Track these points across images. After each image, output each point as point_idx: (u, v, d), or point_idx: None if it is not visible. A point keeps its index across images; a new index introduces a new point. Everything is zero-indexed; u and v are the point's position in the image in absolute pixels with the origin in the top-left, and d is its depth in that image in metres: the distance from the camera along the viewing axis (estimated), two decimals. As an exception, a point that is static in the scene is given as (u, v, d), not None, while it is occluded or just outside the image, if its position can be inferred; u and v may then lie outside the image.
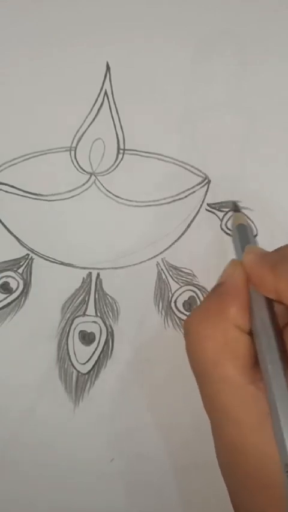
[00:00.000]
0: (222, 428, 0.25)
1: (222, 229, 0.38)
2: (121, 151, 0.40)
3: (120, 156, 0.39)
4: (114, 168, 0.39)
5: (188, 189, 0.39)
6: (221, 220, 0.39)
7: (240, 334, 0.25)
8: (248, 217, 0.37)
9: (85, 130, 0.40)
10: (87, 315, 0.37)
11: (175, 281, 0.38)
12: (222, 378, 0.25)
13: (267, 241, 0.38)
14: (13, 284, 0.37)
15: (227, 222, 0.39)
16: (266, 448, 0.24)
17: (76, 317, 0.37)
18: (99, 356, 0.36)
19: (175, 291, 0.37)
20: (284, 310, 0.27)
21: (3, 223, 0.38)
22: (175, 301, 0.37)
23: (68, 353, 0.36)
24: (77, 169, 0.39)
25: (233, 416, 0.24)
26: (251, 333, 0.26)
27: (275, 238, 0.38)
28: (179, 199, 0.39)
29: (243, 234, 0.30)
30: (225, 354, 0.25)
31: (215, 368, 0.25)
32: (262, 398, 0.24)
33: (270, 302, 0.26)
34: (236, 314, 0.25)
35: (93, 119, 0.40)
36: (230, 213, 0.39)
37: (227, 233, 0.38)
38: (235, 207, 0.34)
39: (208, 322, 0.25)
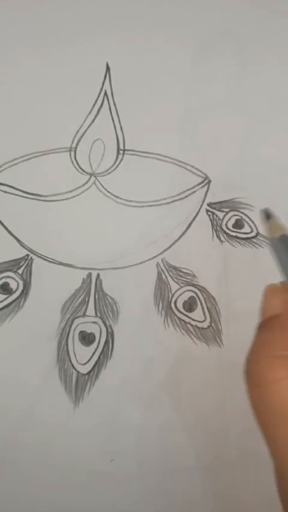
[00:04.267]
0: None
1: (222, 229, 0.38)
2: (121, 151, 0.40)
3: (120, 156, 0.39)
4: (114, 169, 0.39)
5: (188, 189, 0.39)
6: (222, 220, 0.39)
7: None
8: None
9: (85, 131, 0.40)
10: (87, 316, 0.37)
11: (175, 281, 0.38)
12: None
13: (267, 240, 0.38)
14: (13, 285, 0.37)
15: (227, 222, 0.39)
16: None
17: (76, 317, 0.37)
18: (99, 356, 0.36)
19: (175, 291, 0.37)
20: None
21: (3, 224, 0.38)
22: (175, 302, 0.37)
23: (68, 353, 0.36)
24: (77, 169, 0.39)
25: None
26: None
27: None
28: (179, 199, 0.39)
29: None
30: None
31: None
32: None
33: None
34: None
35: (93, 120, 0.40)
36: (230, 213, 0.39)
37: (227, 233, 0.38)
38: (267, 215, 0.27)
39: (281, 363, 0.22)
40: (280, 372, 0.22)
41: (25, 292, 0.37)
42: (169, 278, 0.38)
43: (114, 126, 0.40)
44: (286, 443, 0.22)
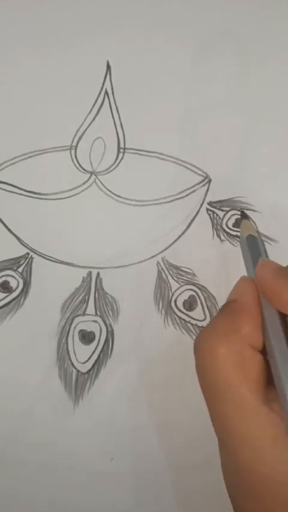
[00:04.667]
0: (234, 452, 0.24)
1: (222, 228, 0.38)
2: (121, 150, 0.40)
3: (120, 155, 0.40)
4: (115, 167, 0.39)
5: (189, 188, 0.39)
6: (222, 219, 0.39)
7: (254, 353, 0.24)
8: (255, 224, 0.35)
9: (85, 130, 0.40)
10: (87, 314, 0.37)
11: (175, 280, 0.38)
12: (236, 401, 0.24)
13: (266, 238, 0.38)
14: (13, 283, 0.37)
15: (227, 221, 0.39)
16: (284, 469, 0.23)
17: (76, 316, 0.37)
18: (99, 355, 0.36)
19: (175, 290, 0.37)
20: None
21: (3, 222, 0.38)
22: (175, 301, 0.37)
23: (68, 352, 0.36)
24: (78, 168, 0.39)
25: (248, 440, 0.24)
26: (263, 352, 0.25)
27: (274, 236, 0.38)
28: (180, 198, 0.39)
29: (253, 246, 0.29)
30: (240, 375, 0.24)
31: (228, 390, 0.24)
32: (276, 420, 0.23)
33: (283, 319, 0.25)
34: (250, 333, 0.24)
35: (94, 118, 0.40)
36: (230, 212, 0.39)
37: (227, 232, 0.38)
38: (243, 215, 0.31)
39: (221, 341, 0.24)
40: (219, 347, 0.24)
41: (25, 290, 0.37)
42: (169, 277, 0.38)
43: (115, 124, 0.40)
44: (221, 416, 0.24)
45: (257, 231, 0.29)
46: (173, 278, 0.38)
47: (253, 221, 0.37)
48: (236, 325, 0.25)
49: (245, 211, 0.34)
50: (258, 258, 0.27)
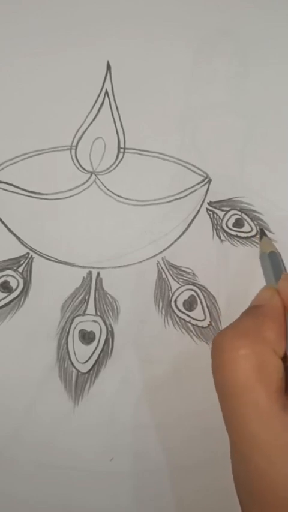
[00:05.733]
0: (247, 457, 0.24)
1: (222, 228, 0.38)
2: (121, 150, 0.40)
3: (120, 155, 0.40)
4: (115, 167, 0.39)
5: (189, 188, 0.39)
6: (222, 219, 0.39)
7: (276, 358, 0.24)
8: (274, 242, 0.36)
9: (86, 130, 0.40)
10: (87, 314, 0.37)
11: (175, 280, 0.38)
12: (253, 404, 0.23)
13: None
14: (13, 283, 0.37)
15: (227, 221, 0.39)
16: None
17: (76, 316, 0.37)
18: (99, 355, 0.36)
19: (175, 290, 0.37)
20: None
21: (3, 222, 0.38)
22: (175, 301, 0.37)
23: (68, 352, 0.36)
24: (78, 168, 0.39)
25: (263, 446, 0.23)
26: (284, 359, 0.25)
27: (275, 236, 0.38)
28: (180, 198, 0.39)
29: (275, 261, 0.30)
30: (259, 378, 0.23)
31: (246, 392, 0.23)
32: None
33: None
34: (274, 338, 0.24)
35: (94, 118, 0.40)
36: (230, 212, 0.39)
37: (227, 232, 0.38)
38: (262, 233, 0.34)
39: (244, 341, 0.24)
40: (241, 346, 0.24)
41: (25, 290, 0.37)
42: (169, 277, 0.38)
43: (115, 124, 0.40)
44: (236, 418, 0.24)
45: (276, 248, 0.32)
46: (173, 278, 0.38)
47: (271, 239, 0.38)
48: (261, 328, 0.24)
49: (263, 229, 0.36)
50: (281, 273, 0.29)
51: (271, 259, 0.31)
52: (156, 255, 0.38)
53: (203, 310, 0.37)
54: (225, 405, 0.25)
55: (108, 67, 0.41)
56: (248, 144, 0.40)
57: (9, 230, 0.38)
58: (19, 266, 0.38)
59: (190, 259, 0.38)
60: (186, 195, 0.39)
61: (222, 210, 0.39)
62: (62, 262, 0.38)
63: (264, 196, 0.39)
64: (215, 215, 0.39)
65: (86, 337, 0.36)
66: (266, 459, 0.23)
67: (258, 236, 0.33)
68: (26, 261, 0.38)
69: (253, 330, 0.24)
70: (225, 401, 0.24)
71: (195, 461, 0.35)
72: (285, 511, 0.23)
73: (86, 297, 0.37)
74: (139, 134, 0.40)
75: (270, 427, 0.23)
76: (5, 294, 0.37)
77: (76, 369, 0.36)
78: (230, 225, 0.38)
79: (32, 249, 0.38)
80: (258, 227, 0.38)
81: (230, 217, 0.39)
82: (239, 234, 0.38)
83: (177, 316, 0.37)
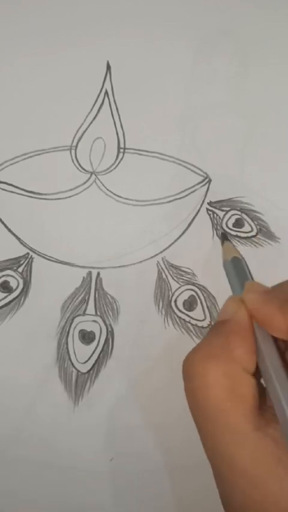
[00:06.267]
0: (229, 479, 0.23)
1: (222, 228, 0.38)
2: (121, 150, 0.40)
3: (120, 155, 0.40)
4: (115, 167, 0.39)
5: (189, 188, 0.39)
6: (222, 219, 0.39)
7: (247, 377, 0.24)
8: (236, 247, 0.35)
9: (86, 130, 0.40)
10: (87, 314, 0.37)
11: (175, 280, 0.38)
12: (227, 427, 0.23)
13: (267, 238, 0.38)
14: (13, 283, 0.37)
15: (227, 221, 0.39)
16: (281, 494, 0.22)
17: (76, 316, 0.37)
18: (99, 355, 0.36)
19: (175, 290, 0.37)
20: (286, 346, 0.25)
21: (3, 222, 0.38)
22: (175, 301, 0.37)
23: (68, 352, 0.36)
24: (78, 168, 0.39)
25: (241, 467, 0.23)
26: (254, 374, 0.24)
27: (274, 235, 0.38)
28: (180, 198, 0.39)
29: (239, 268, 0.29)
30: (232, 400, 0.23)
31: (220, 415, 0.23)
32: (270, 444, 0.23)
33: (275, 341, 0.25)
34: (243, 355, 0.24)
35: (94, 118, 0.40)
36: (230, 212, 0.39)
37: (227, 232, 0.38)
38: (224, 237, 0.32)
39: (213, 363, 0.23)
40: (210, 369, 0.23)
41: (25, 290, 0.37)
42: (169, 277, 0.38)
43: (115, 124, 0.40)
44: (212, 442, 0.23)
45: (240, 253, 0.30)
46: (173, 278, 0.38)
47: (233, 244, 0.37)
48: (228, 347, 0.24)
49: (225, 233, 0.34)
50: (245, 281, 0.28)
51: (235, 266, 0.29)
52: (156, 255, 0.38)
53: (203, 310, 0.37)
54: (201, 429, 0.24)
55: (108, 67, 0.41)
56: (248, 144, 0.40)
57: (9, 230, 0.38)
58: (19, 266, 0.38)
59: (190, 259, 0.38)
60: (186, 195, 0.39)
61: (222, 210, 0.39)
62: (62, 262, 0.38)
63: (264, 196, 0.39)
64: (215, 215, 0.39)
65: (86, 337, 0.36)
66: (248, 480, 0.23)
67: (220, 241, 0.31)
68: (26, 261, 0.38)
69: (221, 350, 0.24)
70: (200, 425, 0.24)
71: (195, 461, 0.35)
72: None
73: (86, 297, 0.37)
74: (139, 134, 0.40)
75: (247, 449, 0.23)
76: (5, 294, 0.37)
77: (76, 369, 0.36)
78: (230, 225, 0.38)
79: (32, 249, 0.38)
80: (219, 231, 0.35)
81: (230, 217, 0.39)
82: (239, 234, 0.38)
83: (177, 316, 0.37)
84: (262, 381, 0.25)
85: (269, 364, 0.24)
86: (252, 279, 0.28)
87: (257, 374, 0.25)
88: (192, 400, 0.24)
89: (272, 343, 0.24)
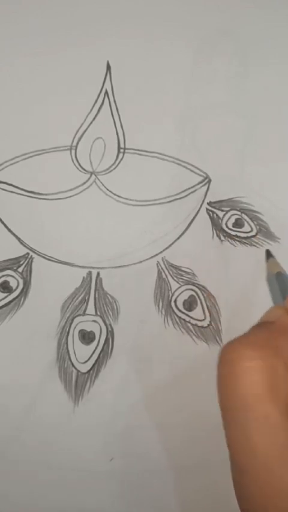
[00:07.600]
0: (247, 468, 0.23)
1: (222, 228, 0.38)
2: (121, 150, 0.40)
3: (120, 155, 0.40)
4: (115, 167, 0.39)
5: (189, 188, 0.39)
6: (222, 219, 0.39)
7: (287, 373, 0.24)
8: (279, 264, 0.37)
9: (85, 130, 0.40)
10: (87, 314, 0.37)
11: (175, 280, 0.38)
12: (263, 417, 0.22)
13: (266, 237, 0.38)
14: (13, 283, 0.37)
15: (227, 221, 0.39)
16: None
17: (76, 316, 0.37)
18: (99, 355, 0.36)
19: (175, 290, 0.37)
20: None
21: (3, 222, 0.38)
22: (175, 301, 0.37)
23: (68, 352, 0.36)
24: (78, 168, 0.39)
25: (264, 460, 0.22)
26: None
27: (274, 235, 0.38)
28: (180, 198, 0.39)
29: (282, 282, 0.31)
30: (270, 391, 0.23)
31: (255, 404, 0.23)
32: None
33: None
34: (286, 353, 0.24)
35: (94, 118, 0.40)
36: (230, 212, 0.39)
37: (227, 232, 0.38)
38: (268, 254, 0.34)
39: (257, 352, 0.23)
40: (251, 357, 0.23)
41: (25, 290, 0.37)
42: (169, 277, 0.38)
43: (115, 124, 0.40)
44: (241, 427, 0.23)
45: (283, 269, 0.31)
46: (173, 278, 0.38)
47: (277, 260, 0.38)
48: (275, 341, 0.24)
49: (269, 250, 0.35)
50: (287, 293, 0.29)
51: (278, 280, 0.31)
52: (156, 255, 0.38)
53: (203, 310, 0.37)
54: (230, 416, 0.24)
55: (108, 67, 0.41)
56: (248, 144, 0.40)
57: (9, 230, 0.38)
58: (19, 266, 0.38)
59: (190, 259, 0.38)
60: (186, 195, 0.39)
61: (222, 210, 0.39)
62: (61, 262, 0.38)
63: (264, 196, 0.39)
64: (215, 215, 0.39)
65: (86, 337, 0.36)
66: (268, 472, 0.23)
67: (265, 257, 0.33)
68: (26, 261, 0.38)
69: (266, 342, 0.24)
70: (230, 412, 0.24)
71: (195, 461, 0.35)
72: None
73: (86, 297, 0.37)
74: (139, 134, 0.40)
75: (275, 442, 0.23)
76: (5, 294, 0.37)
77: (76, 369, 0.36)
78: (230, 225, 0.38)
79: (31, 249, 0.38)
80: (265, 249, 0.37)
81: (230, 217, 0.39)
82: (238, 234, 0.38)
83: (177, 316, 0.37)
84: None
85: None
86: None
87: None
88: (227, 386, 0.24)
89: None
